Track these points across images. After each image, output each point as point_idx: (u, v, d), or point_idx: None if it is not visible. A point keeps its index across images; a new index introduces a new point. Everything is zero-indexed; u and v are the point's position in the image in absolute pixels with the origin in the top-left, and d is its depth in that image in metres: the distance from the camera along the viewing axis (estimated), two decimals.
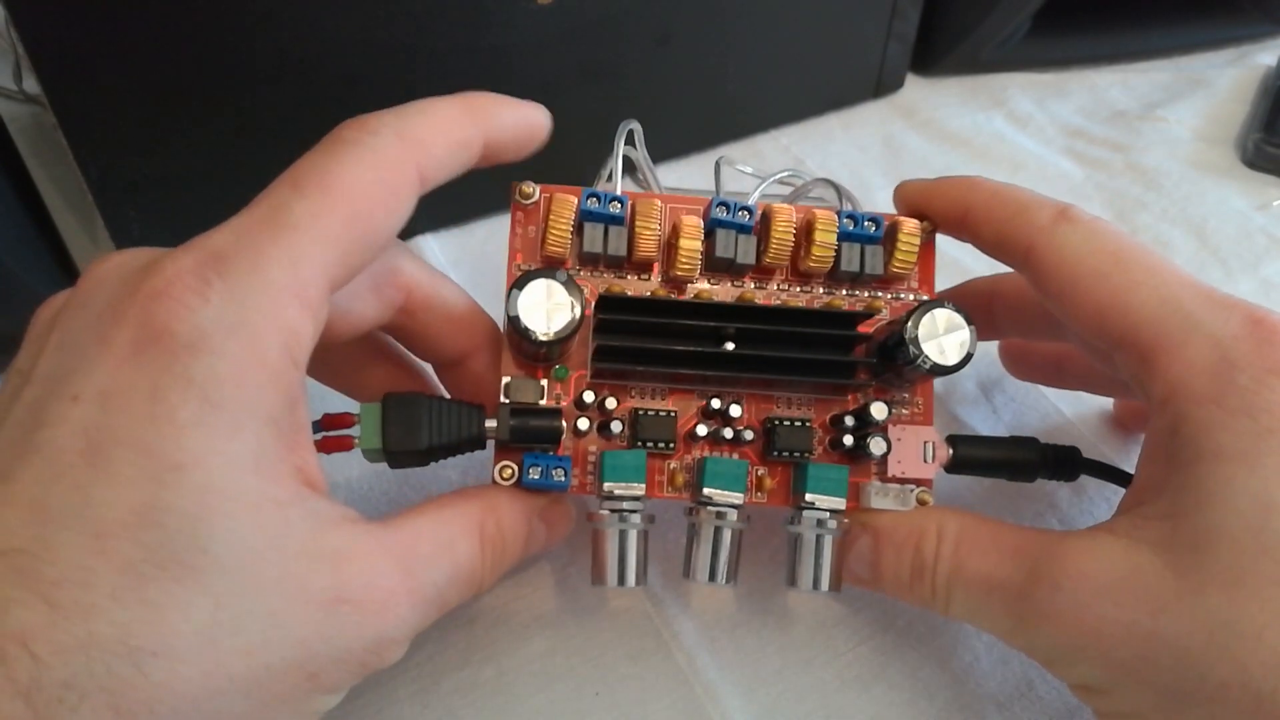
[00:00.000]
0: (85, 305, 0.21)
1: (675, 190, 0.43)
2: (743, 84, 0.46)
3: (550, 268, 0.25)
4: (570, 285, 0.25)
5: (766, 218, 0.28)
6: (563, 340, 0.25)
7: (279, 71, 0.35)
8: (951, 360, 0.25)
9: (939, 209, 0.28)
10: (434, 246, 0.43)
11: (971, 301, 0.32)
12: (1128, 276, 0.24)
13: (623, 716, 0.28)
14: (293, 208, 0.21)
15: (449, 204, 0.43)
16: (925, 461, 0.27)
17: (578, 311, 0.24)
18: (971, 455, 0.28)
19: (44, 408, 0.20)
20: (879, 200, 0.46)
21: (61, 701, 0.17)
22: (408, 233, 0.43)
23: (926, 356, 0.25)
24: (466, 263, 0.42)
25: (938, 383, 0.38)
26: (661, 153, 0.47)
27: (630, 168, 0.38)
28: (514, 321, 0.24)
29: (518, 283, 0.25)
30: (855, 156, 0.48)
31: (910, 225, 0.28)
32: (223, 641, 0.19)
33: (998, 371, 0.37)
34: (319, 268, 0.21)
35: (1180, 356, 0.23)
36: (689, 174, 0.47)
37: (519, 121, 0.26)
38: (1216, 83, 0.52)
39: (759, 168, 0.48)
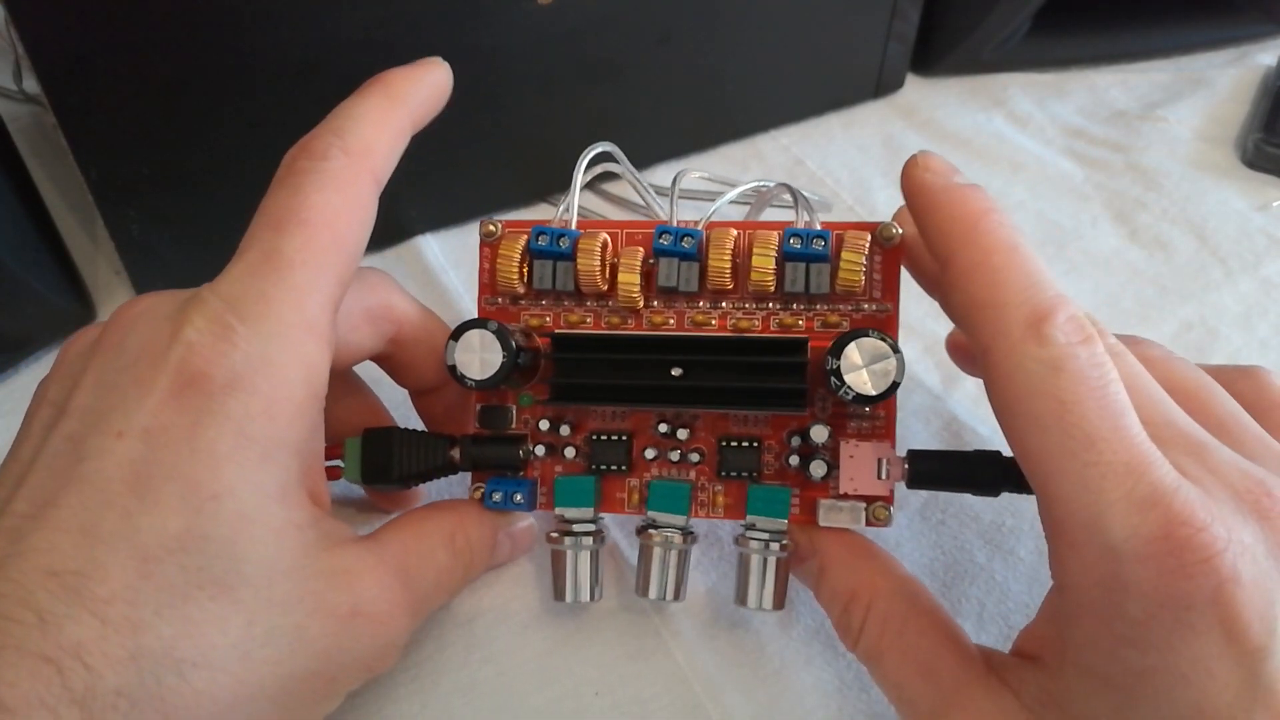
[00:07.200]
0: (120, 349, 0.23)
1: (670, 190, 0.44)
2: (743, 84, 0.46)
3: (482, 318, 0.27)
4: (500, 333, 0.26)
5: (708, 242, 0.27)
6: (493, 383, 0.26)
7: (279, 72, 0.35)
8: (875, 390, 0.25)
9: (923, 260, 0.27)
10: (434, 246, 0.43)
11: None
12: (1063, 442, 0.21)
13: (623, 716, 0.28)
14: (282, 248, 0.23)
15: (449, 204, 0.44)
16: (880, 478, 0.27)
17: (507, 356, 0.26)
18: (930, 471, 0.27)
19: (85, 442, 0.21)
20: (878, 201, 0.46)
21: (115, 708, 0.19)
22: (407, 233, 0.44)
23: (849, 388, 0.25)
24: (466, 263, 0.42)
25: (937, 379, 0.38)
26: (660, 153, 0.47)
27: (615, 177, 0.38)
28: (451, 370, 0.26)
29: (454, 334, 0.26)
30: (855, 156, 0.48)
31: (855, 243, 0.26)
32: (255, 654, 0.21)
33: None
34: (322, 297, 0.23)
35: (1077, 557, 0.21)
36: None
37: (431, 89, 0.27)
38: (1216, 83, 0.52)
39: (759, 168, 0.48)
